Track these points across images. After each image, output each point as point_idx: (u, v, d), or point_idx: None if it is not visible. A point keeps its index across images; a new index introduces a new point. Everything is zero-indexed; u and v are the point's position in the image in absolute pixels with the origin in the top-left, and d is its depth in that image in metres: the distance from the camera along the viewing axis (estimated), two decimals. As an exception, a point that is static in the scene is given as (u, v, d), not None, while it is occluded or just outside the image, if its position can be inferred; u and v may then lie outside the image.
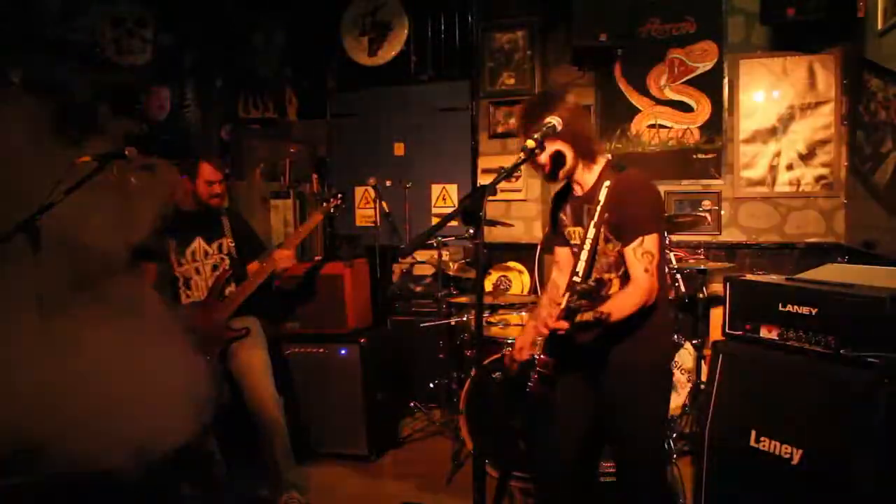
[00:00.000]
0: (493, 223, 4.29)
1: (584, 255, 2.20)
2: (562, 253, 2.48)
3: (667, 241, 3.79)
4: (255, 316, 3.36)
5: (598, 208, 2.18)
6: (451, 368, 4.18)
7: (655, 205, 2.25)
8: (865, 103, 3.91)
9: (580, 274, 2.19)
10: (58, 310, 2.26)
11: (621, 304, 2.09)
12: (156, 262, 3.26)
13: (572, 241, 2.37)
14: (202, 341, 3.01)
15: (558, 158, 2.21)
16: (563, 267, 2.45)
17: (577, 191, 2.32)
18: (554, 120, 2.10)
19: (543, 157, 2.22)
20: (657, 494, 2.34)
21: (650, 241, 2.14)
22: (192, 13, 4.96)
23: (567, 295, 2.05)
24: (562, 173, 2.26)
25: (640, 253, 2.13)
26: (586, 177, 2.28)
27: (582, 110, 2.32)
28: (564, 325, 2.00)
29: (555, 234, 2.50)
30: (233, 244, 3.34)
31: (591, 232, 2.19)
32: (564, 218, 2.40)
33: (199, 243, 3.30)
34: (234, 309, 3.26)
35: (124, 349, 2.25)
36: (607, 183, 2.19)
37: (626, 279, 2.20)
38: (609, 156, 2.33)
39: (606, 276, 2.22)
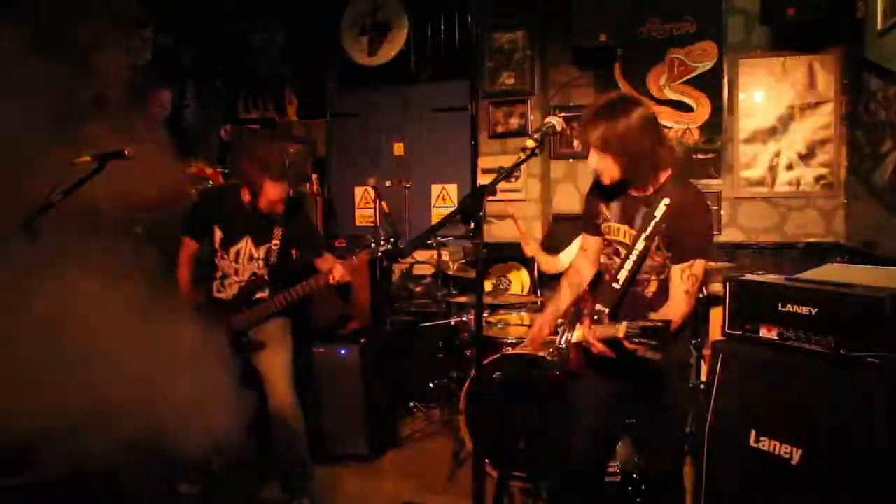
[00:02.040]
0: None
1: (629, 265, 2.24)
2: (591, 241, 2.51)
3: None
4: (286, 316, 3.24)
5: (653, 223, 2.20)
6: (451, 368, 4.18)
7: (709, 230, 2.33)
8: (865, 103, 3.91)
9: (621, 281, 2.24)
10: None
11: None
12: (198, 242, 3.20)
13: (610, 237, 2.38)
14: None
15: (603, 170, 2.22)
16: (589, 255, 2.51)
17: (634, 192, 2.30)
18: (554, 120, 2.11)
19: (592, 163, 2.22)
20: (679, 487, 2.46)
21: (698, 266, 2.21)
22: (192, 13, 4.96)
23: (626, 324, 2.03)
24: (608, 181, 2.25)
25: (687, 276, 2.20)
26: (647, 184, 2.27)
27: (646, 125, 2.17)
28: (608, 353, 2.11)
29: (587, 221, 2.49)
30: (277, 248, 3.16)
31: (641, 244, 2.22)
32: (606, 211, 2.39)
33: (246, 243, 3.15)
34: (256, 319, 3.12)
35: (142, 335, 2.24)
36: (666, 200, 2.20)
37: (664, 284, 2.27)
38: (670, 170, 2.27)
39: (646, 276, 2.29)
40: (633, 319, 2.05)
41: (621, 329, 2.02)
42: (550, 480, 3.01)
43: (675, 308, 2.21)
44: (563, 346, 2.28)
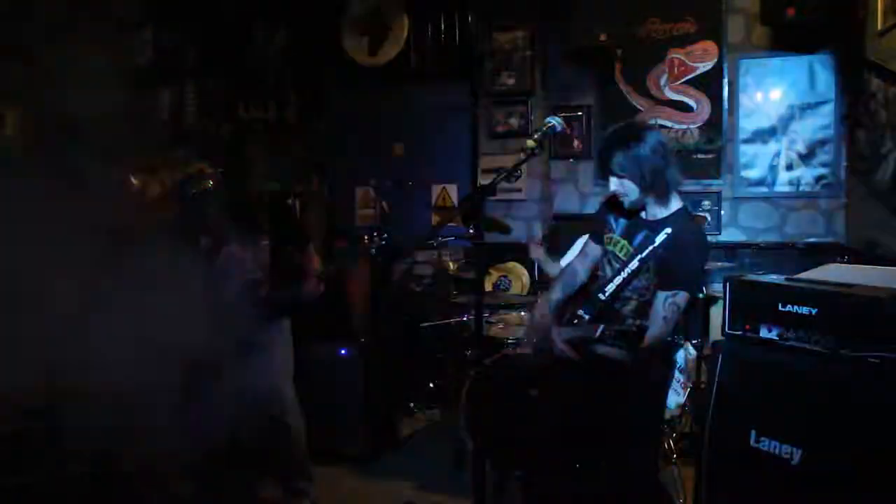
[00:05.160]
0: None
1: (618, 280, 2.36)
2: (593, 249, 2.62)
3: None
4: (286, 316, 3.23)
5: (651, 247, 2.31)
6: (451, 368, 4.18)
7: (699, 268, 2.46)
8: (865, 103, 3.91)
9: (607, 293, 2.37)
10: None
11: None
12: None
13: (609, 247, 2.50)
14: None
15: (625, 193, 2.34)
16: (587, 261, 2.64)
17: (643, 216, 2.41)
18: (554, 120, 2.15)
19: (613, 188, 2.35)
20: (652, 491, 2.52)
21: (681, 297, 2.31)
22: (193, 13, 4.96)
23: (600, 327, 2.25)
24: (628, 204, 2.37)
25: (669, 304, 2.30)
26: (656, 210, 2.38)
27: (665, 150, 2.34)
28: (571, 352, 2.30)
29: (596, 230, 2.61)
30: (266, 249, 3.17)
31: (635, 264, 2.33)
32: (613, 223, 2.51)
33: (234, 250, 3.15)
34: (257, 319, 3.09)
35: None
36: (668, 230, 2.30)
37: (643, 307, 2.39)
38: (682, 204, 2.41)
39: (630, 295, 2.40)
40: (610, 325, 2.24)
41: (597, 330, 2.20)
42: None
43: (651, 331, 2.31)
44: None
